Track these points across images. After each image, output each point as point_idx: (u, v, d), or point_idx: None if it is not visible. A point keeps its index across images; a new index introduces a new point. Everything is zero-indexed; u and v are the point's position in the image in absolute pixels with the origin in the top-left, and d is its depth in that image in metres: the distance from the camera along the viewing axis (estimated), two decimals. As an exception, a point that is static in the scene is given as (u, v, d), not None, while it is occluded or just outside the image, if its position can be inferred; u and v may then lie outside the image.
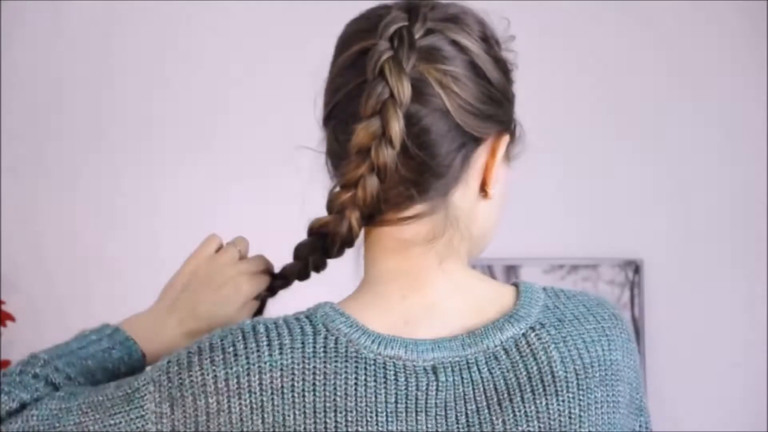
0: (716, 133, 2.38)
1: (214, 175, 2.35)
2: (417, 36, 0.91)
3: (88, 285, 2.32)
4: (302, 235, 1.01)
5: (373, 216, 0.94)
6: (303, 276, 1.04)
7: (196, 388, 0.91)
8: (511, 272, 2.35)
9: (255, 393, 0.89)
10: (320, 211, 0.98)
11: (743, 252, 2.37)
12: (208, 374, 0.90)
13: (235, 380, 0.90)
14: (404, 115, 0.90)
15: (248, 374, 0.90)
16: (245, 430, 0.89)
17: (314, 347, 0.90)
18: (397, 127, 0.89)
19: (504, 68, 0.97)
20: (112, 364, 1.07)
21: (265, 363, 0.90)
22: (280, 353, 0.90)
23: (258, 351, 0.90)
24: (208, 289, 1.10)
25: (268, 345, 0.90)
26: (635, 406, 0.99)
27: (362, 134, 0.90)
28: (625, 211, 2.38)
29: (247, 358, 0.90)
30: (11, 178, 2.32)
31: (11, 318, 2.18)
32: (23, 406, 0.99)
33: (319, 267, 1.02)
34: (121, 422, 0.93)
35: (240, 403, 0.89)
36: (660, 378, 2.33)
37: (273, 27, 2.33)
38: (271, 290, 1.10)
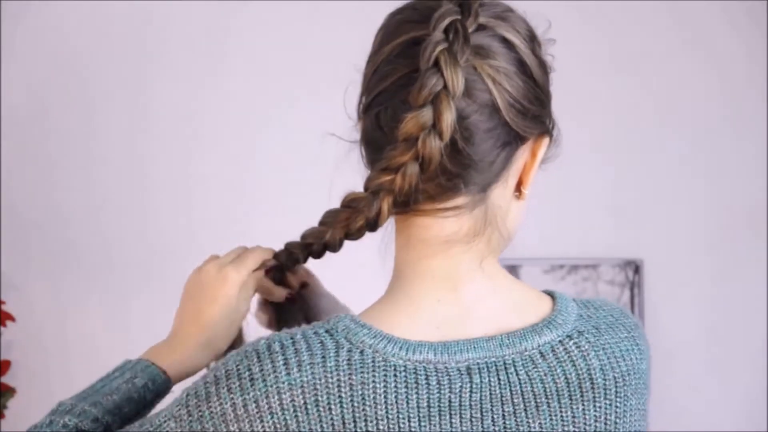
0: (716, 132, 2.38)
1: (219, 174, 2.35)
2: (470, 30, 0.90)
3: (88, 285, 2.32)
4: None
5: (407, 203, 0.92)
6: (323, 249, 1.02)
7: (216, 419, 0.89)
8: (511, 272, 2.33)
9: (276, 414, 0.88)
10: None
11: (743, 252, 2.37)
12: (226, 403, 0.89)
13: (254, 404, 0.88)
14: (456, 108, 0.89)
15: (267, 396, 0.88)
16: None
17: (337, 361, 0.89)
18: (449, 119, 0.88)
19: (545, 69, 0.98)
20: (137, 393, 1.06)
21: (284, 383, 0.88)
22: (299, 371, 0.88)
23: (275, 372, 0.89)
24: (201, 295, 1.10)
25: (285, 364, 0.89)
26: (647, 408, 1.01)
27: (412, 123, 0.88)
28: (625, 211, 2.38)
29: (264, 380, 0.89)
30: (11, 178, 2.32)
31: (11, 318, 2.17)
32: None
33: (336, 245, 1.00)
34: None
35: (263, 426, 0.88)
36: (660, 378, 2.33)
37: (277, 24, 2.33)
38: (282, 264, 1.11)
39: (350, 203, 0.94)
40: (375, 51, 0.95)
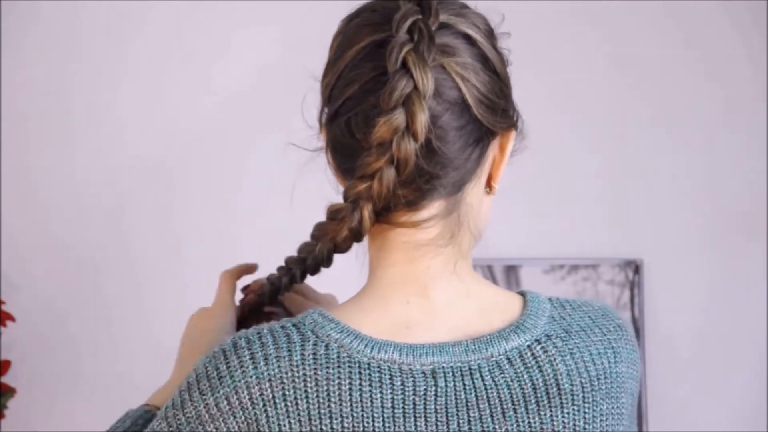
0: (716, 132, 2.38)
1: (220, 175, 2.35)
2: (433, 29, 0.90)
3: (88, 285, 2.32)
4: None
5: (388, 209, 0.92)
6: (316, 264, 1.02)
7: (193, 423, 0.90)
8: (511, 272, 2.35)
9: (247, 409, 0.88)
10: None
11: (743, 252, 2.37)
12: (200, 405, 0.90)
13: (225, 402, 0.89)
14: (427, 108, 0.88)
15: (236, 392, 0.89)
16: None
17: (302, 354, 0.89)
18: (422, 120, 0.88)
19: (504, 63, 0.97)
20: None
21: (251, 377, 0.89)
22: (266, 364, 0.89)
23: (242, 367, 0.89)
24: (192, 333, 1.15)
25: (251, 358, 0.89)
26: (634, 414, 0.99)
27: (385, 127, 0.88)
28: (625, 211, 2.38)
29: (231, 377, 0.89)
30: (11, 178, 2.32)
31: (11, 318, 2.17)
32: None
33: (325, 259, 0.99)
34: None
35: (236, 422, 0.89)
36: (660, 378, 2.33)
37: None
38: (275, 286, 1.12)
39: (333, 215, 0.93)
40: (336, 57, 0.94)
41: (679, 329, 2.36)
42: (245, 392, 0.89)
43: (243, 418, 0.89)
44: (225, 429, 0.89)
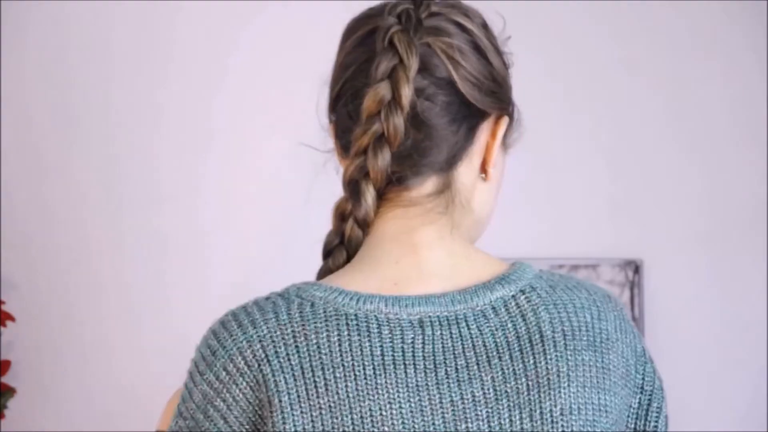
0: (716, 132, 2.38)
1: (222, 176, 2.35)
2: (423, 16, 0.95)
3: (88, 285, 2.32)
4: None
5: (389, 184, 0.95)
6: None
7: (203, 406, 0.93)
8: (511, 272, 2.35)
9: (246, 372, 0.91)
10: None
11: (743, 252, 2.37)
12: (203, 386, 0.93)
13: (224, 372, 0.92)
14: (413, 82, 0.92)
15: (232, 360, 0.92)
16: (252, 406, 0.91)
17: (289, 314, 0.92)
18: (406, 91, 0.92)
19: (503, 58, 1.00)
20: None
21: (242, 341, 0.92)
22: (254, 327, 0.92)
23: (232, 336, 0.92)
24: None
25: (239, 326, 0.93)
26: (634, 383, 1.00)
27: (371, 98, 0.92)
28: (625, 211, 2.38)
29: (224, 348, 0.92)
30: (11, 178, 2.32)
31: (11, 318, 2.17)
32: None
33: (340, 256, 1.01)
34: None
35: (240, 389, 0.92)
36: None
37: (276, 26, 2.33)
38: None
39: (338, 215, 0.97)
40: (338, 52, 0.99)
41: (679, 329, 2.36)
42: (239, 357, 0.92)
43: (245, 382, 0.91)
44: (232, 399, 0.91)
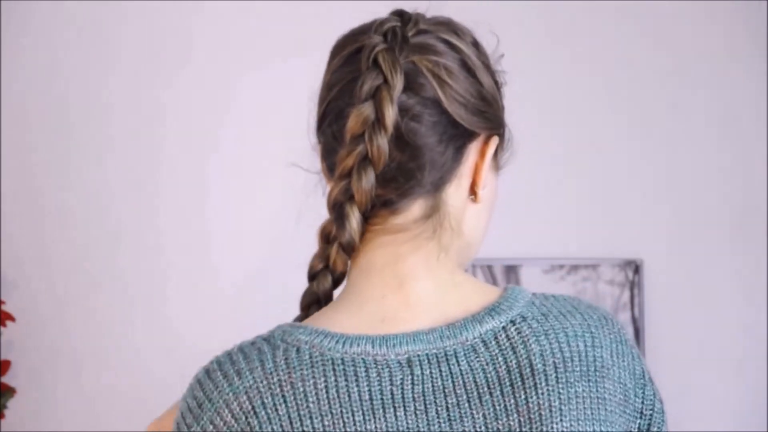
0: (716, 132, 2.38)
1: (218, 179, 2.35)
2: (410, 34, 0.93)
3: (88, 285, 2.32)
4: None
5: (374, 208, 0.93)
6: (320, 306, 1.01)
7: None
8: (511, 272, 2.35)
9: (232, 426, 0.89)
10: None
11: (743, 252, 2.37)
12: None
13: (211, 426, 0.90)
14: (397, 102, 0.90)
15: (218, 413, 0.90)
16: None
17: (275, 362, 0.90)
18: (390, 111, 0.90)
19: (494, 76, 0.98)
20: None
21: (228, 394, 0.90)
22: (240, 378, 0.90)
23: (217, 388, 0.91)
24: None
25: (225, 377, 0.91)
26: (633, 408, 0.98)
27: (354, 119, 0.90)
28: (625, 211, 2.38)
29: (210, 400, 0.91)
30: (11, 178, 2.32)
31: (11, 318, 2.17)
32: None
33: (330, 294, 0.98)
34: None
35: None
36: (660, 378, 2.32)
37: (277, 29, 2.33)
38: None
39: (323, 237, 0.95)
40: (325, 70, 0.97)
41: (679, 329, 2.36)
42: (226, 411, 0.90)
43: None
44: None
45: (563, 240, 2.37)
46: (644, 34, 2.38)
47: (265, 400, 0.89)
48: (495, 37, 0.99)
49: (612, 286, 2.35)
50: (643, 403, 0.99)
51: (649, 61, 2.37)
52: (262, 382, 0.89)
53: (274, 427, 0.88)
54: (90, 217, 2.32)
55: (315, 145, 0.99)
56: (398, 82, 0.90)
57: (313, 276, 0.97)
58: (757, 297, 2.36)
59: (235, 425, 0.89)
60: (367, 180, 0.91)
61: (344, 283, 0.97)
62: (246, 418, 0.89)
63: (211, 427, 0.90)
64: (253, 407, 0.89)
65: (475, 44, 0.97)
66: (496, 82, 0.98)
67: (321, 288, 0.97)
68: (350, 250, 0.94)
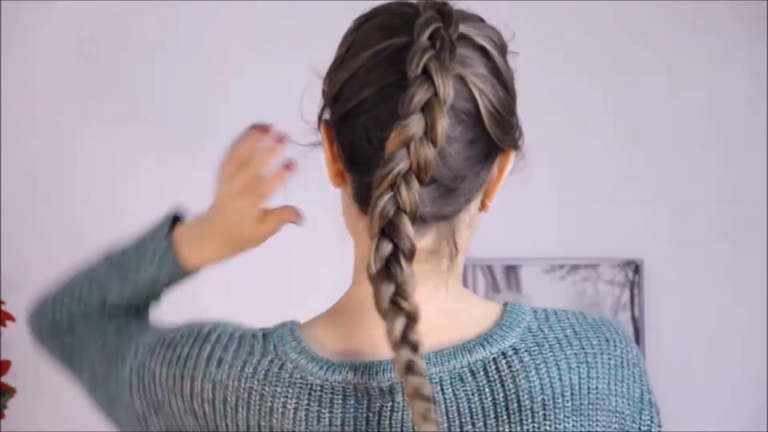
0: (716, 133, 2.38)
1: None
2: (454, 38, 0.87)
3: (88, 285, 2.32)
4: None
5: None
6: None
7: (149, 376, 0.96)
8: (511, 272, 2.35)
9: (186, 398, 0.92)
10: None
11: (743, 252, 2.37)
12: (158, 367, 0.96)
13: (173, 381, 0.94)
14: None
15: (182, 379, 0.93)
16: (181, 427, 0.93)
17: (255, 369, 0.91)
18: (442, 125, 0.84)
19: (513, 79, 0.94)
20: (154, 289, 1.26)
21: (198, 372, 0.92)
22: (217, 367, 0.92)
23: (196, 359, 0.93)
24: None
25: (208, 357, 0.93)
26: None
27: (404, 133, 0.84)
28: (625, 211, 2.38)
29: (184, 363, 0.94)
30: (11, 178, 2.32)
31: (11, 318, 2.17)
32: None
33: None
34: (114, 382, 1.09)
35: (177, 403, 0.93)
36: (660, 378, 2.33)
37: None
38: None
39: (380, 273, 0.84)
40: (349, 55, 0.91)
41: (679, 329, 2.36)
42: (188, 383, 0.93)
43: (182, 403, 0.93)
44: (167, 401, 0.94)
45: (563, 240, 2.37)
46: (643, 36, 2.38)
47: (228, 398, 0.91)
48: (511, 32, 0.95)
49: (612, 286, 2.35)
50: (640, 429, 0.95)
51: (650, 62, 2.38)
52: (233, 382, 0.91)
53: (228, 423, 0.90)
54: (90, 217, 2.32)
55: (311, 120, 0.95)
56: (449, 97, 0.85)
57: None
58: (756, 297, 2.36)
59: (190, 400, 0.93)
60: (414, 189, 0.84)
61: (346, 292, 0.95)
62: (202, 401, 0.92)
63: (172, 381, 0.94)
64: (213, 398, 0.91)
65: (502, 48, 0.93)
66: (514, 83, 0.94)
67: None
68: (412, 253, 0.85)
